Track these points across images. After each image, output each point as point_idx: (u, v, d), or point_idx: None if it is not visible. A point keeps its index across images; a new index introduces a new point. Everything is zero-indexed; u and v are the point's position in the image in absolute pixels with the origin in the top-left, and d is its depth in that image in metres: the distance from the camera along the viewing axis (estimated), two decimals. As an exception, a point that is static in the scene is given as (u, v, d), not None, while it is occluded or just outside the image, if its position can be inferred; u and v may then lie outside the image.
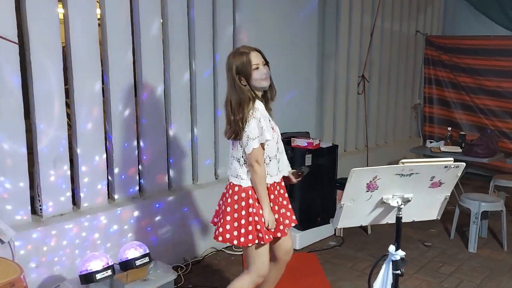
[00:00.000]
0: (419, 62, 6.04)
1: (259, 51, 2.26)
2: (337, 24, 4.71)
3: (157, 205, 3.30)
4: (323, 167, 3.93)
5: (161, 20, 3.32)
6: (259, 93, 2.29)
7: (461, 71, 5.66)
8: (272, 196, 2.30)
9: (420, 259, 3.60)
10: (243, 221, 2.24)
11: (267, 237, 2.24)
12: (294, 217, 2.44)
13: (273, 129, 2.30)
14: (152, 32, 3.22)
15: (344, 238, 3.96)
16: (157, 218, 3.30)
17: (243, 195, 2.26)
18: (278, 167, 2.34)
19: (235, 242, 2.27)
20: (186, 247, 3.48)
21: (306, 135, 4.14)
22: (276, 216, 2.29)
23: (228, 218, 2.28)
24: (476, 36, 5.59)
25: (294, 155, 3.84)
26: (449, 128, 4.57)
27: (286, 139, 3.97)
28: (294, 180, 2.46)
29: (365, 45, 5.09)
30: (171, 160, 3.48)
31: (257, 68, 2.20)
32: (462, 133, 4.53)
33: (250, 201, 2.25)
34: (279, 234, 2.31)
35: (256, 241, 2.24)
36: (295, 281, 3.22)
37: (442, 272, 3.38)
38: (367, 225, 4.13)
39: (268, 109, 2.33)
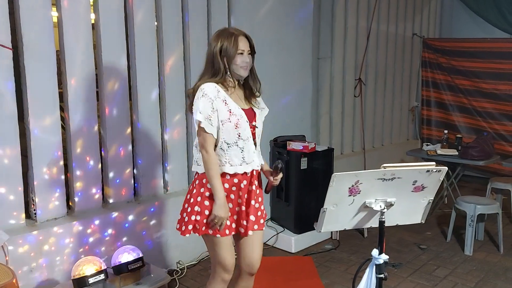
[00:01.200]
0: (416, 65, 6.05)
1: (248, 38, 2.15)
2: (332, 27, 4.72)
3: (152, 209, 3.31)
4: (319, 170, 3.94)
5: (156, 24, 3.34)
6: (234, 79, 2.15)
7: (459, 73, 5.66)
8: (234, 188, 2.13)
9: (415, 262, 3.60)
10: (189, 208, 2.13)
11: (210, 231, 2.08)
12: (262, 220, 2.24)
13: (230, 111, 2.08)
14: (147, 36, 3.25)
15: (340, 241, 3.96)
16: (152, 222, 3.32)
17: (197, 182, 2.15)
18: (243, 157, 2.12)
19: (177, 227, 2.18)
20: (181, 251, 3.49)
21: (302, 138, 4.15)
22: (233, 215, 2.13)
23: (185, 205, 2.19)
24: (473, 39, 5.59)
25: (289, 159, 3.86)
26: (446, 131, 4.57)
27: (282, 142, 3.99)
28: (272, 179, 2.23)
29: (361, 47, 5.10)
30: (166, 164, 3.50)
31: (241, 53, 2.10)
32: (459, 135, 4.53)
33: (202, 189, 2.12)
34: (227, 231, 2.13)
35: (192, 232, 2.10)
36: (291, 284, 3.23)
37: (437, 275, 3.38)
38: (363, 228, 4.13)
39: (250, 101, 2.19)
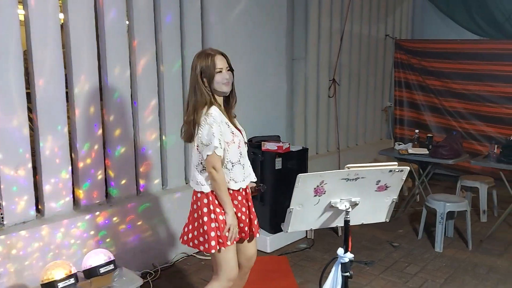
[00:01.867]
0: (389, 65, 6.16)
1: (225, 56, 2.26)
2: (306, 28, 4.77)
3: (124, 211, 3.28)
4: (293, 170, 3.97)
5: (128, 24, 3.31)
6: (219, 99, 2.29)
7: (430, 74, 5.79)
8: (235, 202, 2.28)
9: (386, 259, 3.66)
10: (205, 227, 2.24)
11: (229, 242, 2.24)
12: (256, 222, 2.45)
13: (233, 133, 2.26)
14: (118, 36, 3.21)
15: (315, 240, 4.00)
16: (125, 224, 3.28)
17: (205, 201, 2.26)
18: (244, 173, 2.32)
19: (201, 248, 2.28)
20: (155, 253, 3.47)
21: (276, 138, 4.17)
22: (241, 224, 2.31)
23: (195, 224, 2.29)
24: (443, 40, 5.73)
25: (264, 159, 3.88)
26: (417, 130, 4.67)
27: (257, 143, 4.00)
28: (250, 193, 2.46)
29: (335, 48, 5.16)
30: (139, 166, 3.46)
31: (220, 72, 2.20)
32: (429, 135, 4.63)
33: (211, 206, 2.25)
34: (242, 234, 2.33)
35: (218, 247, 2.24)
36: (265, 284, 3.24)
37: (408, 272, 3.45)
38: (337, 227, 4.19)
39: (230, 115, 2.33)
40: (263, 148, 3.88)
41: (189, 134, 2.21)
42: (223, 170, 2.23)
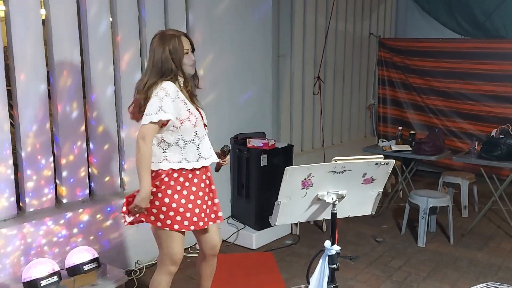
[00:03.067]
0: (373, 63, 6.23)
1: (190, 39, 2.26)
2: (291, 25, 4.78)
3: (108, 209, 3.23)
4: (278, 167, 3.98)
5: (111, 19, 3.26)
6: (180, 79, 2.24)
7: (412, 72, 5.87)
8: (187, 184, 2.20)
9: (371, 254, 3.71)
10: (157, 203, 2.19)
11: (176, 226, 2.17)
12: (220, 213, 2.39)
13: (189, 111, 2.19)
14: (101, 31, 3.16)
15: (300, 236, 4.02)
16: (109, 222, 3.24)
17: (166, 179, 2.19)
18: (200, 153, 2.22)
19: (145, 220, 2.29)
20: (139, 250, 3.43)
21: (262, 135, 4.17)
22: (196, 209, 2.21)
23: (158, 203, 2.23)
24: (426, 39, 5.82)
25: (249, 156, 3.88)
26: (400, 128, 4.74)
27: (242, 139, 4.00)
28: (221, 161, 2.43)
29: (320, 45, 5.19)
30: (123, 163, 3.43)
31: (187, 53, 2.21)
32: (412, 132, 4.70)
33: (168, 190, 2.19)
34: (201, 224, 2.22)
35: (166, 228, 2.18)
36: (251, 280, 3.24)
37: (392, 266, 3.49)
38: (323, 223, 4.21)
39: (191, 95, 2.29)
40: (248, 145, 3.89)
41: (138, 108, 2.18)
42: (172, 148, 2.17)
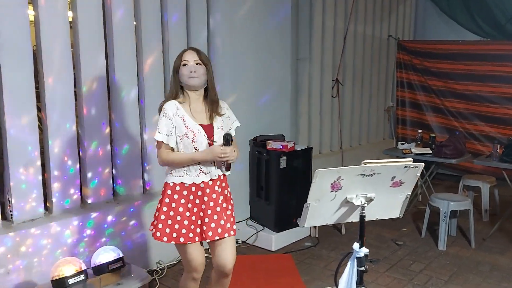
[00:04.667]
0: (392, 66, 6.20)
1: (197, 51, 2.28)
2: (310, 28, 4.79)
3: (131, 209, 3.29)
4: (298, 169, 3.99)
5: (135, 23, 3.32)
6: (192, 93, 2.28)
7: (432, 75, 5.83)
8: (191, 197, 2.24)
9: (391, 257, 3.69)
10: (162, 217, 2.27)
11: (165, 239, 2.23)
12: (229, 225, 2.31)
13: (187, 127, 2.22)
14: (126, 35, 3.22)
15: (319, 239, 4.02)
16: (132, 222, 3.30)
17: (168, 191, 2.29)
18: (201, 169, 2.25)
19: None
20: (161, 251, 3.47)
21: (281, 137, 4.20)
22: (185, 221, 2.23)
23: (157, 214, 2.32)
24: (445, 41, 5.77)
25: (269, 158, 3.90)
26: (420, 130, 4.71)
27: (261, 142, 4.03)
28: (227, 150, 2.22)
29: (338, 48, 5.19)
30: (145, 164, 3.48)
31: (185, 65, 2.23)
32: (432, 135, 4.67)
33: (166, 199, 2.27)
34: (182, 239, 2.23)
35: (165, 239, 2.24)
36: (271, 282, 3.26)
37: (412, 269, 3.48)
38: (341, 225, 4.21)
39: (211, 109, 2.28)
40: (268, 147, 3.91)
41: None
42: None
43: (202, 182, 2.25)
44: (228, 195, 2.38)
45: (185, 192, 2.25)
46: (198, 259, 2.31)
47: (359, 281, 1.75)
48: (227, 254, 2.31)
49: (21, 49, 2.70)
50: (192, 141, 2.22)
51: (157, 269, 3.39)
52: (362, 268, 1.75)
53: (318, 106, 5.08)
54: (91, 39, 3.03)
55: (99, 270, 2.71)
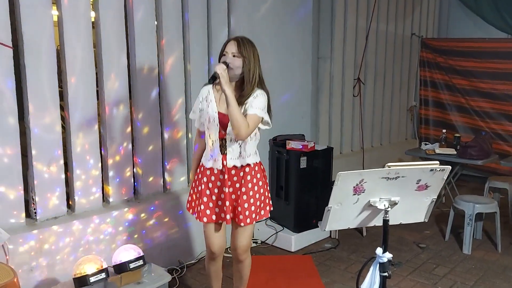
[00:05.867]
0: (415, 64, 6.07)
1: (238, 42, 2.31)
2: (332, 26, 4.73)
3: (152, 208, 3.31)
4: (318, 169, 3.95)
5: (156, 23, 3.34)
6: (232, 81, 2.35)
7: (456, 73, 5.68)
8: (205, 179, 2.44)
9: (414, 261, 3.61)
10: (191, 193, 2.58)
11: (195, 215, 2.51)
12: (241, 216, 2.41)
13: (208, 113, 2.39)
14: (147, 34, 3.24)
15: (340, 240, 3.97)
16: (152, 221, 3.32)
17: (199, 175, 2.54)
18: (211, 155, 2.41)
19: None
20: (181, 250, 3.49)
21: (301, 137, 4.15)
22: (210, 203, 2.43)
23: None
24: (471, 39, 5.62)
25: (289, 158, 3.86)
26: (444, 130, 4.59)
27: (281, 141, 4.00)
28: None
29: (360, 47, 5.11)
30: (166, 163, 3.49)
31: (223, 55, 2.33)
32: (457, 135, 4.55)
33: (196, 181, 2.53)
34: (204, 219, 2.44)
35: (195, 215, 2.52)
36: (290, 283, 3.23)
37: (436, 273, 3.39)
38: (362, 227, 4.15)
39: (239, 100, 2.30)
40: (287, 147, 3.87)
41: None
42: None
43: (216, 168, 2.39)
44: (256, 183, 2.43)
45: (207, 173, 2.43)
46: (212, 238, 2.51)
47: (382, 287, 1.71)
48: (238, 239, 2.48)
49: (45, 49, 2.74)
50: (208, 127, 2.40)
51: (177, 267, 3.40)
52: (385, 274, 1.70)
53: (339, 105, 5.01)
54: (113, 39, 3.06)
55: (120, 268, 2.73)
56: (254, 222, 2.45)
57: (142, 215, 3.25)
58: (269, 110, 2.41)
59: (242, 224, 2.41)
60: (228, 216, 2.41)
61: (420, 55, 5.99)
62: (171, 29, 3.38)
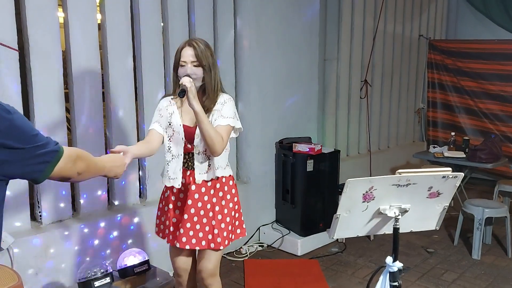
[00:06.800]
0: (422, 66, 6.01)
1: (195, 48, 2.04)
2: (339, 28, 4.69)
3: (157, 212, 3.28)
4: (325, 172, 3.91)
5: (162, 24, 3.32)
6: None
7: (465, 75, 5.62)
8: (173, 198, 2.24)
9: (422, 266, 3.56)
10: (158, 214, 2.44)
11: (160, 234, 2.37)
12: (202, 242, 2.16)
13: (170, 124, 2.17)
14: (153, 36, 3.22)
15: (346, 244, 3.92)
16: (157, 224, 3.29)
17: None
18: (168, 170, 2.20)
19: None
20: (186, 253, 3.46)
21: (308, 140, 4.12)
22: (167, 221, 2.30)
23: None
24: (479, 40, 5.55)
25: (295, 161, 3.83)
26: (453, 133, 4.54)
27: (288, 144, 3.96)
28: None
29: (367, 48, 5.06)
30: (171, 166, 3.46)
31: (182, 66, 2.07)
32: (466, 138, 4.49)
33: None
34: (169, 238, 2.28)
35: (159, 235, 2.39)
36: (296, 288, 3.20)
37: (445, 279, 3.34)
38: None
39: (207, 110, 2.10)
40: (294, 149, 3.84)
41: None
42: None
43: (172, 187, 2.22)
44: (223, 203, 2.18)
45: (167, 194, 2.30)
46: (176, 262, 2.36)
47: (392, 297, 1.67)
48: (202, 260, 2.23)
49: (51, 51, 2.73)
50: (169, 139, 2.18)
51: (182, 271, 3.37)
52: (396, 284, 1.66)
53: (346, 107, 4.96)
54: (119, 41, 3.04)
55: (125, 273, 2.71)
56: (222, 247, 2.17)
57: (148, 218, 3.22)
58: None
59: (212, 246, 2.17)
60: (193, 240, 2.18)
61: (428, 57, 5.93)
62: (177, 31, 3.35)
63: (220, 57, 3.63)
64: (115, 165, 1.74)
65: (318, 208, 3.87)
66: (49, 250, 2.73)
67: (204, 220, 2.17)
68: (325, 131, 4.73)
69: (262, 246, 3.89)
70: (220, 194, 2.19)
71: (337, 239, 4.00)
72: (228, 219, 2.20)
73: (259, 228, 3.98)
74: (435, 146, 4.65)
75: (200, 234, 2.17)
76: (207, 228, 2.17)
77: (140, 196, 3.31)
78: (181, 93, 1.98)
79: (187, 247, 2.19)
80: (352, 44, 4.88)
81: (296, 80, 4.19)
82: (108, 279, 2.59)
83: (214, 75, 2.10)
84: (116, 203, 3.16)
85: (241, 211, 2.32)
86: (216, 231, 2.15)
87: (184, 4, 3.38)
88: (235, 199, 2.25)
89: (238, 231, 2.28)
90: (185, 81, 1.99)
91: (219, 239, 2.16)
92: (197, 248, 2.21)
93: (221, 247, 2.17)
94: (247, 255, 3.69)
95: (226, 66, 3.72)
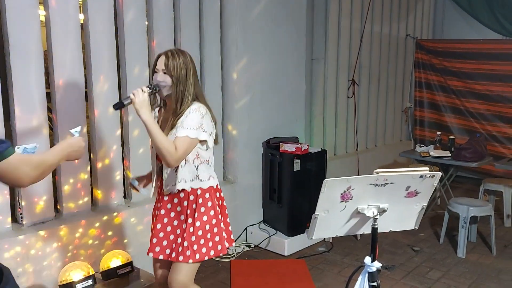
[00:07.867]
0: (409, 66, 6.05)
1: (168, 58, 2.04)
2: (326, 28, 4.70)
3: (142, 212, 3.25)
4: (311, 172, 3.91)
5: (147, 23, 3.29)
6: (164, 100, 2.17)
7: (451, 74, 5.66)
8: (169, 206, 2.18)
9: (408, 264, 3.58)
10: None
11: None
12: (173, 253, 2.11)
13: None
14: (138, 35, 3.19)
15: (333, 244, 3.93)
16: (142, 226, 3.26)
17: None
18: (154, 181, 2.25)
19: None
20: (172, 254, 3.44)
21: (294, 140, 4.11)
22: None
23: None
24: (466, 40, 5.60)
25: (282, 160, 3.82)
26: (439, 132, 4.57)
27: (275, 144, 3.95)
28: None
29: (354, 48, 5.08)
30: (156, 166, 3.44)
31: (155, 72, 2.10)
32: (452, 137, 4.52)
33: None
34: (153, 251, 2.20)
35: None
36: (283, 287, 3.20)
37: (430, 277, 3.36)
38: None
39: (172, 122, 2.07)
40: (281, 149, 3.83)
41: None
42: None
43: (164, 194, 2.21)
44: (196, 216, 2.08)
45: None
46: (156, 270, 2.35)
47: (371, 297, 1.66)
48: (173, 272, 2.14)
49: (32, 50, 2.69)
50: (150, 148, 2.24)
51: (168, 272, 3.35)
52: (374, 284, 1.66)
53: (333, 107, 4.97)
54: (102, 40, 3.01)
55: (108, 275, 2.68)
56: (191, 261, 2.08)
57: (132, 219, 3.20)
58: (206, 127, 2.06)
59: (180, 258, 2.08)
60: (167, 251, 2.15)
61: (415, 56, 5.97)
62: (163, 30, 3.33)
63: (206, 56, 3.61)
64: (73, 149, 1.74)
65: (305, 208, 3.87)
66: (30, 252, 2.70)
67: (178, 231, 2.13)
68: (313, 131, 4.73)
69: (249, 246, 3.88)
70: (194, 206, 2.10)
71: (324, 239, 4.00)
72: (200, 233, 2.09)
73: (246, 228, 3.97)
74: (421, 145, 4.67)
75: (173, 245, 2.13)
76: (179, 240, 2.11)
77: (124, 197, 3.28)
78: (118, 104, 2.03)
79: (161, 257, 2.17)
80: (339, 43, 4.90)
81: (284, 79, 4.19)
82: (90, 282, 2.56)
83: (183, 88, 2.03)
84: (100, 204, 3.13)
85: (222, 225, 2.17)
86: (186, 243, 2.07)
87: (170, 3, 3.35)
88: (212, 212, 2.12)
89: (219, 247, 2.15)
90: (133, 91, 1.98)
91: (188, 252, 2.06)
92: (160, 256, 2.18)
93: (190, 261, 2.06)
94: (234, 256, 3.68)
95: (213, 65, 3.70)
